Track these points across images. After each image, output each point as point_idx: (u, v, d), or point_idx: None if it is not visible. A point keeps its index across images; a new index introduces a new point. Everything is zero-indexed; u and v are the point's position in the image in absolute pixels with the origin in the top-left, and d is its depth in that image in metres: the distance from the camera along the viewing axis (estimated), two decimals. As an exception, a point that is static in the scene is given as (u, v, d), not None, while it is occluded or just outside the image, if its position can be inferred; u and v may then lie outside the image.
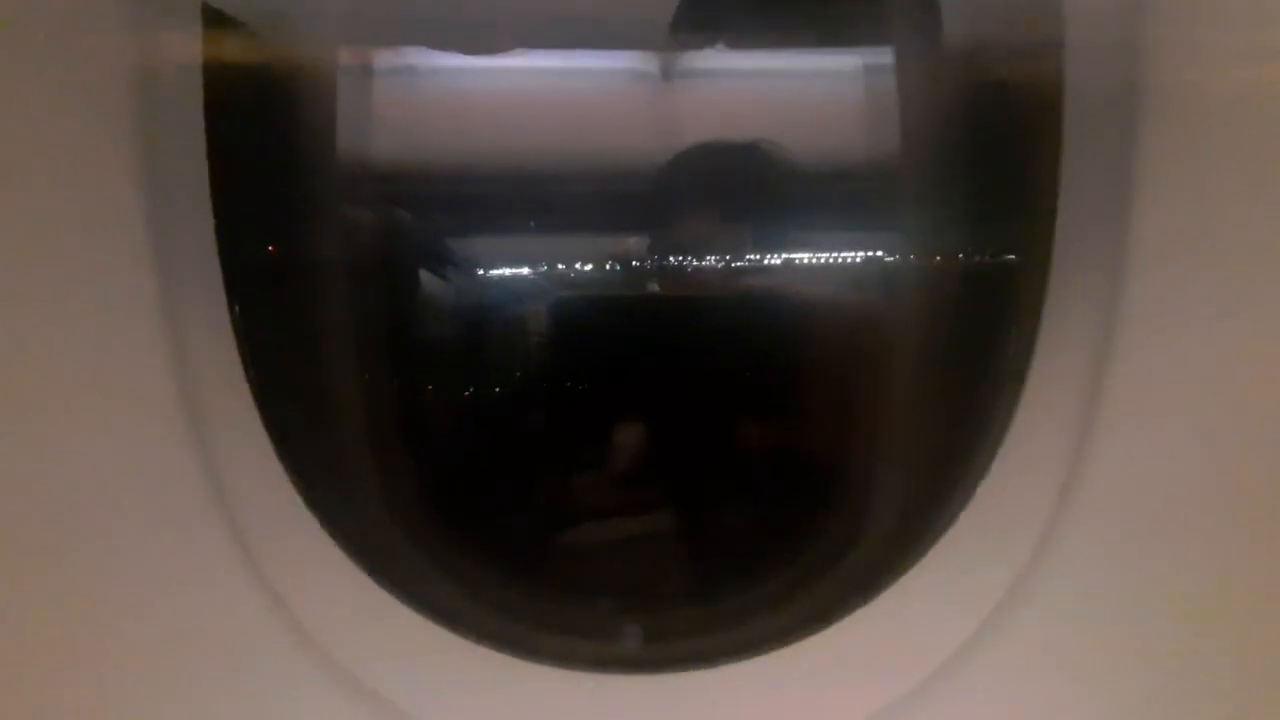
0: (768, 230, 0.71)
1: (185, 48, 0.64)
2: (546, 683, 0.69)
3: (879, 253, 0.71)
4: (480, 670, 0.69)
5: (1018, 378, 0.67)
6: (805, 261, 0.71)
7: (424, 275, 0.73)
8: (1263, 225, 0.62)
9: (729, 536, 0.77)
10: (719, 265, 0.71)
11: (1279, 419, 0.63)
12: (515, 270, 0.71)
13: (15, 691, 0.62)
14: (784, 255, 0.71)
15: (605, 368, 0.73)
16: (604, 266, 0.71)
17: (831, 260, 0.72)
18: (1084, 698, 0.66)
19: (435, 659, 0.69)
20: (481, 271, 0.72)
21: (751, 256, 0.71)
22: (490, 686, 0.69)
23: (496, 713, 0.70)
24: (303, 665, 0.65)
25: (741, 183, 0.72)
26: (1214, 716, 0.65)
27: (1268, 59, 0.58)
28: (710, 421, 0.73)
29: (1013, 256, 0.70)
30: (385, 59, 0.71)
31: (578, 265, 0.71)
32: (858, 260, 0.71)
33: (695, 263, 0.71)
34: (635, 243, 0.71)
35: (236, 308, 0.65)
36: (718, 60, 0.71)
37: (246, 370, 0.66)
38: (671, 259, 0.71)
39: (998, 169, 0.71)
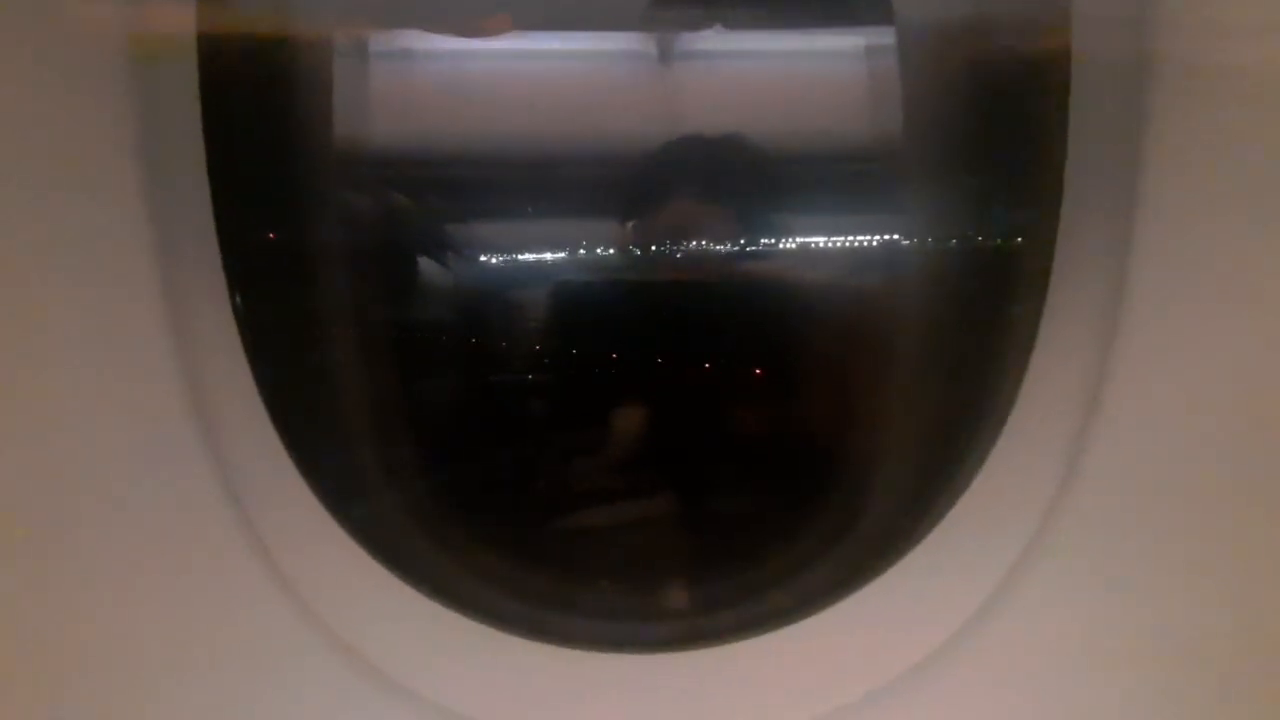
0: (765, 214, 0.71)
1: (180, 28, 0.64)
2: (551, 661, 0.70)
3: (884, 234, 0.71)
4: (488, 649, 0.70)
5: (1021, 359, 0.66)
6: (810, 245, 0.71)
7: (425, 259, 0.73)
8: (1273, 204, 0.61)
9: (731, 517, 0.78)
10: (725, 249, 0.71)
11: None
12: (517, 255, 0.71)
13: (20, 685, 0.63)
14: (785, 238, 0.71)
15: (610, 352, 0.73)
16: (604, 251, 0.71)
17: (836, 243, 0.71)
18: (1084, 679, 0.67)
19: (440, 638, 0.69)
20: (481, 256, 0.72)
21: (760, 241, 0.71)
22: (497, 665, 0.70)
23: (506, 691, 0.71)
24: (309, 645, 0.66)
25: (737, 168, 0.71)
26: (1215, 702, 0.66)
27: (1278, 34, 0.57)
28: (709, 403, 0.74)
29: (1018, 237, 0.69)
30: (380, 41, 0.70)
31: (579, 250, 0.71)
32: (862, 243, 0.71)
33: (703, 246, 0.71)
34: (634, 227, 0.71)
35: (238, 295, 0.65)
36: (715, 42, 0.70)
37: (249, 356, 0.66)
38: (673, 243, 0.71)
39: (1002, 148, 0.70)
